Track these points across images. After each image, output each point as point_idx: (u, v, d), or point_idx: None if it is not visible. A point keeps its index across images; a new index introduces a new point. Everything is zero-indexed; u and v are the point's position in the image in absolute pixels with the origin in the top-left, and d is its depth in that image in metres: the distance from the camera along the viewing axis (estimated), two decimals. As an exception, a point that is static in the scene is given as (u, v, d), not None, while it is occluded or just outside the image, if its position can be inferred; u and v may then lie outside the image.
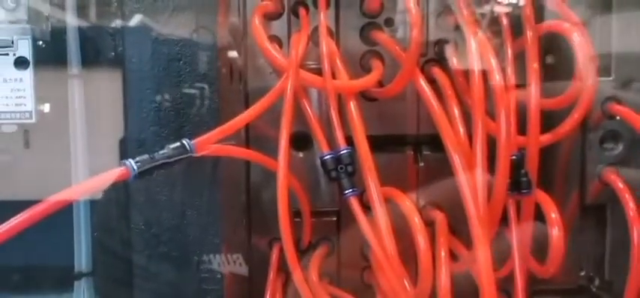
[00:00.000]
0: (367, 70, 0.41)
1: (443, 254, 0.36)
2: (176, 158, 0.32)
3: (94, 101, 0.39)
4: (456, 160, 0.35)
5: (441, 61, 0.41)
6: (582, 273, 0.46)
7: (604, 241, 0.45)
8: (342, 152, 0.37)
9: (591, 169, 0.43)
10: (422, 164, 0.43)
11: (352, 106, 0.37)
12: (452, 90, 0.38)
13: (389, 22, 0.41)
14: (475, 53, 0.36)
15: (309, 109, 0.38)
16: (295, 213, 0.41)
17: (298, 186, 0.40)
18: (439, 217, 0.39)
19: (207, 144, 0.34)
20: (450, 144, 0.36)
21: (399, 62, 0.39)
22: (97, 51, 0.39)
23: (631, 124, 0.41)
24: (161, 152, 0.32)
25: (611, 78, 0.42)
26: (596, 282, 0.45)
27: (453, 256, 0.39)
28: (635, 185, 0.41)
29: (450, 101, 0.38)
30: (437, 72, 0.40)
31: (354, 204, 0.36)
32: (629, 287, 0.40)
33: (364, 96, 0.41)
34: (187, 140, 0.33)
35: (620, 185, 0.41)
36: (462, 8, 0.38)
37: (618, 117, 0.42)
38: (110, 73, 0.39)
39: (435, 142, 0.39)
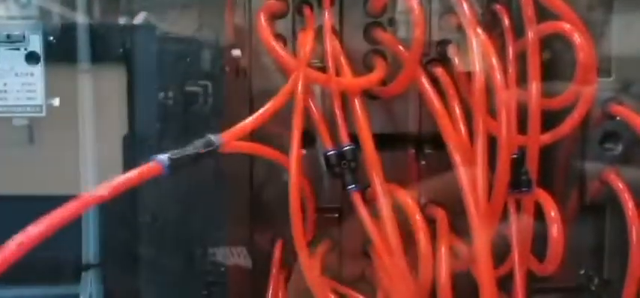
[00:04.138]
0: (370, 69, 0.41)
1: (443, 251, 0.37)
2: (205, 150, 0.32)
3: (102, 97, 0.40)
4: (458, 159, 0.36)
5: (443, 60, 0.41)
6: (582, 272, 0.46)
7: (603, 240, 0.45)
8: (345, 148, 0.37)
9: (591, 169, 0.43)
10: (423, 162, 0.43)
11: (356, 104, 0.38)
12: (454, 90, 0.39)
13: (392, 22, 0.42)
14: (477, 52, 0.36)
15: (313, 106, 0.38)
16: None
17: (305, 183, 0.40)
18: (440, 215, 0.39)
19: (233, 139, 0.34)
20: (452, 143, 0.36)
21: (402, 61, 0.39)
22: (105, 48, 0.39)
23: (631, 125, 0.41)
24: (191, 146, 0.31)
25: (611, 78, 0.43)
26: (596, 281, 0.46)
27: (453, 254, 0.39)
28: (634, 185, 0.41)
29: (451, 100, 0.38)
30: (439, 71, 0.40)
31: (357, 199, 0.37)
32: (627, 286, 0.40)
33: (367, 95, 0.41)
34: (214, 135, 0.32)
35: (620, 185, 0.41)
36: (464, 8, 0.38)
37: (618, 118, 0.42)
38: (118, 69, 0.39)
39: (436, 140, 0.39)
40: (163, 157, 0.30)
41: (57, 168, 0.40)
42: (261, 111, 0.36)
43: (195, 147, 0.32)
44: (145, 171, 0.29)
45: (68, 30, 0.39)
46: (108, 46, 0.39)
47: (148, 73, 0.38)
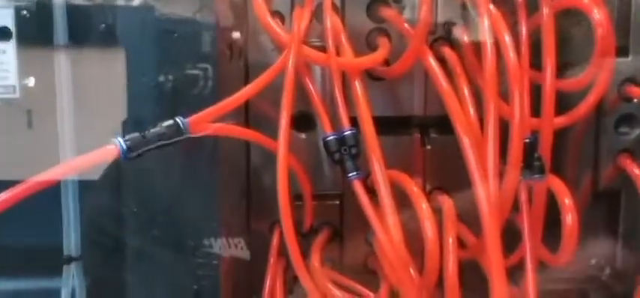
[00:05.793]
0: (373, 48, 0.40)
1: (450, 241, 0.35)
2: (170, 140, 0.31)
3: (83, 79, 0.38)
4: (466, 143, 0.34)
5: (450, 40, 0.40)
6: (593, 261, 0.45)
7: (616, 229, 0.44)
8: (346, 133, 0.36)
9: (605, 154, 0.42)
10: (429, 147, 0.42)
11: (357, 85, 0.36)
12: (462, 70, 0.37)
13: (397, -1, 0.40)
14: (488, 30, 0.35)
15: (311, 88, 0.37)
16: (297, 196, 0.40)
17: (299, 168, 0.39)
18: (447, 203, 0.38)
19: (202, 122, 0.32)
20: (460, 126, 0.35)
21: (407, 40, 0.38)
22: (86, 26, 0.37)
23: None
24: (152, 130, 0.30)
25: (629, 58, 0.41)
26: (607, 271, 0.44)
27: (461, 243, 0.38)
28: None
29: (459, 81, 0.37)
30: (446, 51, 0.39)
31: (358, 188, 0.35)
32: (642, 276, 0.39)
33: (370, 76, 0.40)
34: (181, 118, 0.31)
35: (636, 171, 0.40)
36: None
37: (635, 100, 0.41)
38: (100, 51, 0.37)
39: (443, 124, 0.38)
40: (120, 140, 0.28)
41: (36, 154, 0.38)
42: (241, 91, 0.34)
43: (157, 131, 0.30)
44: (100, 154, 0.28)
45: (44, 4, 0.37)
46: (89, 25, 0.37)
47: (142, 55, 0.36)
